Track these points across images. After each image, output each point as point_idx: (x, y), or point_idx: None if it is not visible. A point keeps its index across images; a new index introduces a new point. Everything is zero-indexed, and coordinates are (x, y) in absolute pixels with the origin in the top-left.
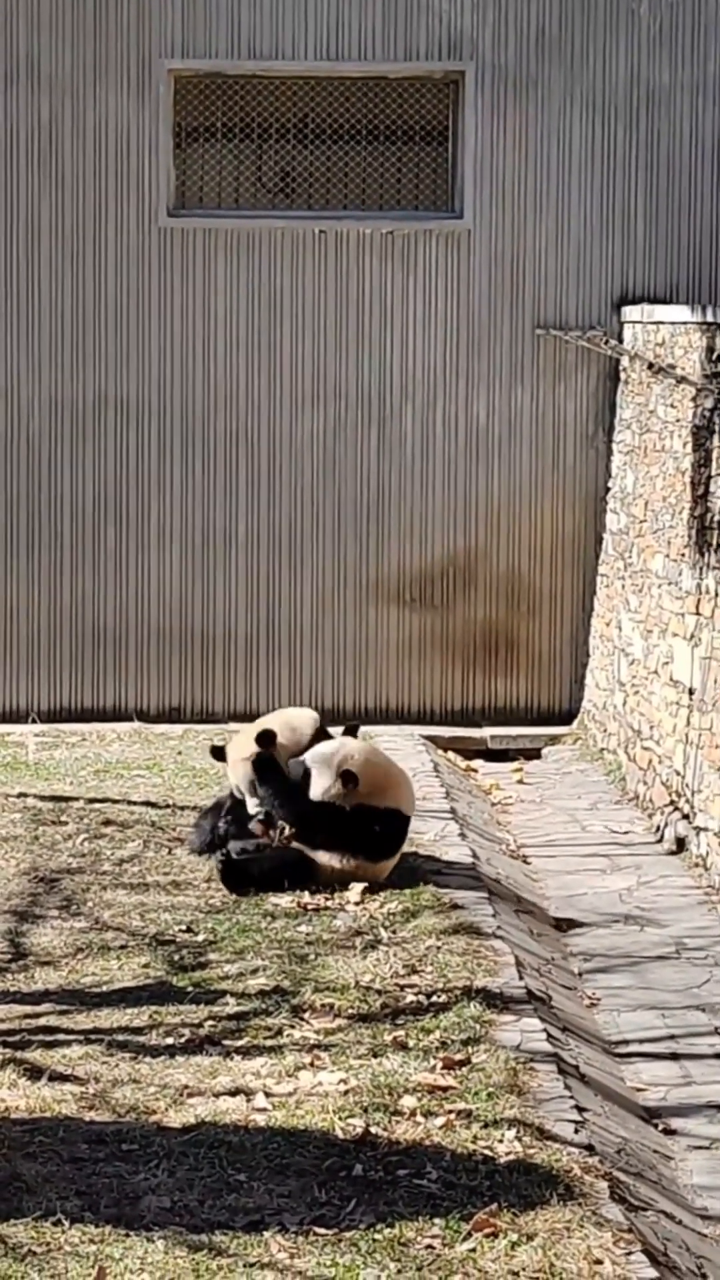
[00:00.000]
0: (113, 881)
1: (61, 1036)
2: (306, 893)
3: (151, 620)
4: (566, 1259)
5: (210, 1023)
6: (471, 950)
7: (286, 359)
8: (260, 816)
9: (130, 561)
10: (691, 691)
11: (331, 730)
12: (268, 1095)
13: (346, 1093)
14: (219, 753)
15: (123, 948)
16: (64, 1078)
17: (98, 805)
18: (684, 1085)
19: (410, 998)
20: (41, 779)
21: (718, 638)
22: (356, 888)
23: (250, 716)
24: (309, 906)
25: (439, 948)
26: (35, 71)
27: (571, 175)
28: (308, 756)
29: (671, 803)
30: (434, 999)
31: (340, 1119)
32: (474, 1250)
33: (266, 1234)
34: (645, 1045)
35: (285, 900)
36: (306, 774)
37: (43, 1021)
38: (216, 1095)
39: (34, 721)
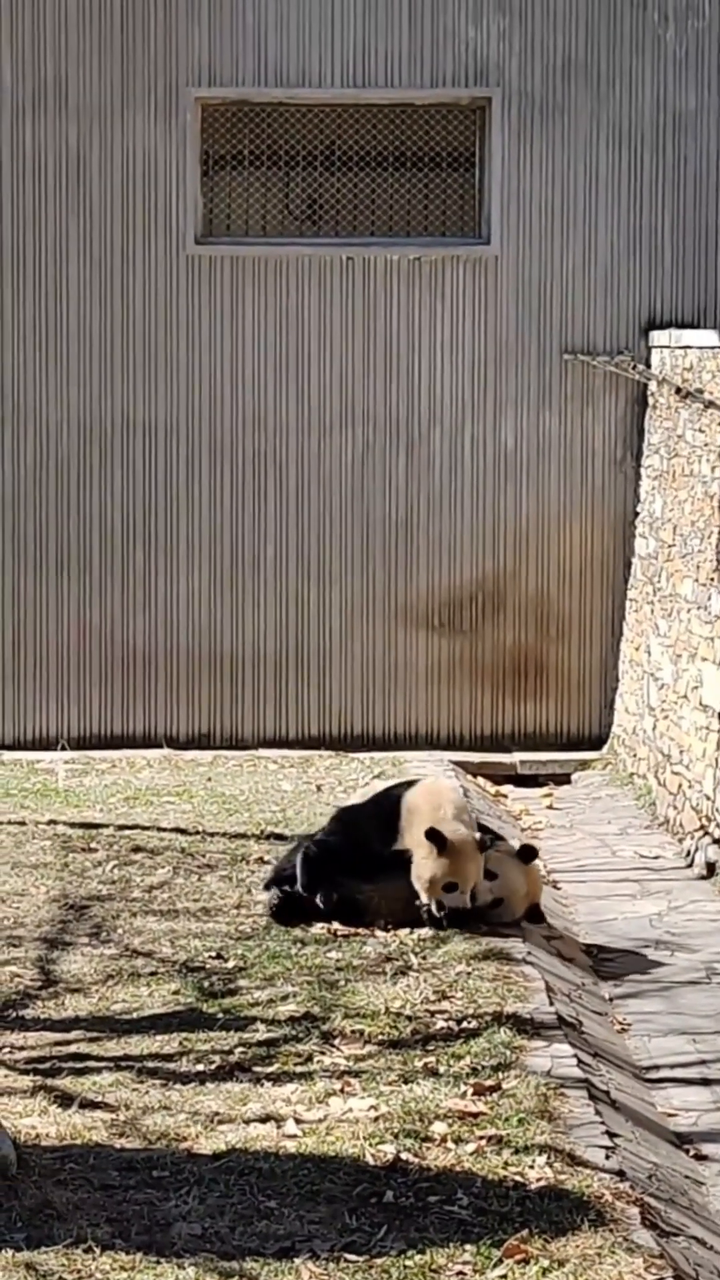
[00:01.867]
0: (142, 908)
1: (92, 1064)
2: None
3: (180, 645)
4: None
5: (240, 1049)
6: (502, 976)
7: (314, 384)
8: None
9: (159, 586)
10: None
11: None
12: (298, 1122)
13: (377, 1119)
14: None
15: (153, 974)
16: (94, 1105)
17: (127, 832)
18: (715, 1110)
19: (440, 1024)
20: (71, 806)
21: None
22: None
23: (280, 742)
24: (339, 933)
25: (469, 973)
26: (64, 99)
27: (598, 200)
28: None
29: (702, 827)
30: (464, 1025)
31: (371, 1145)
32: (505, 1277)
33: (297, 1260)
34: (676, 1070)
35: (316, 927)
36: None
37: (73, 1049)
38: (247, 1122)
39: (63, 748)
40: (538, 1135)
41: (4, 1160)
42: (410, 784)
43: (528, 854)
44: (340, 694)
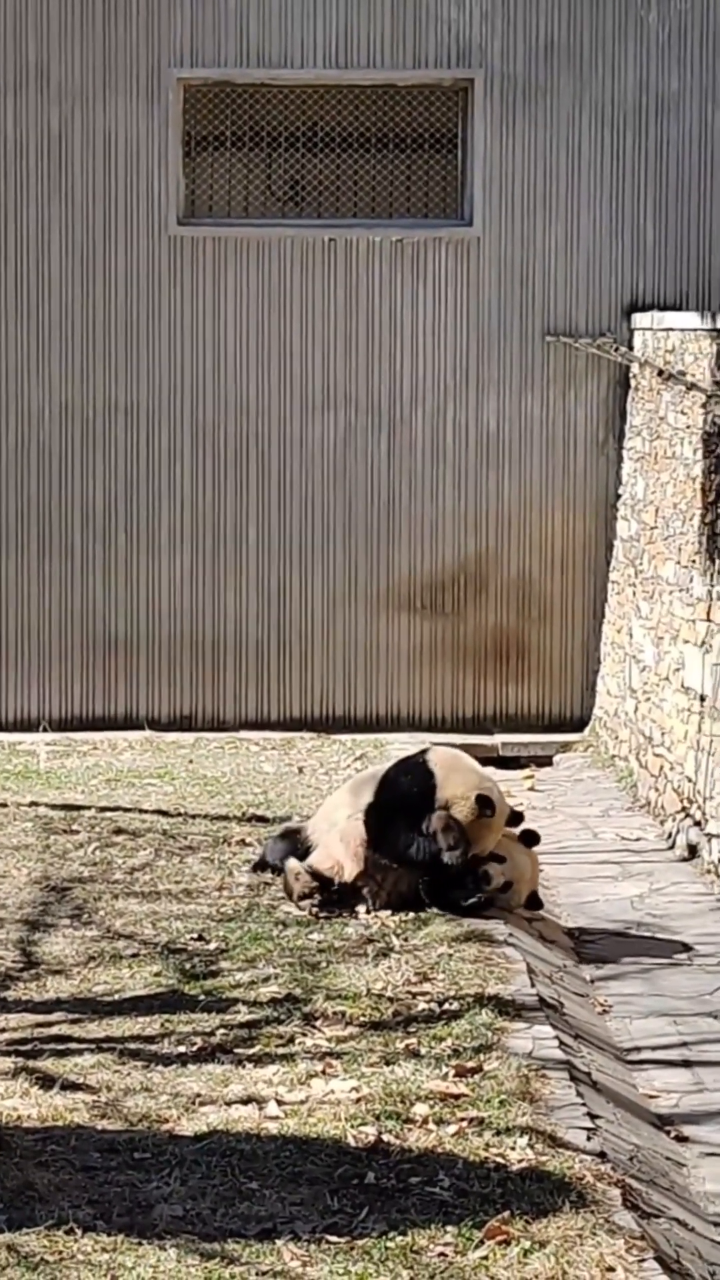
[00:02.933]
0: (124, 890)
1: (73, 1045)
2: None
3: (162, 627)
4: (579, 1266)
5: (222, 1031)
6: (483, 958)
7: (297, 366)
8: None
9: (141, 568)
10: (703, 698)
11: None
12: (280, 1103)
13: (358, 1100)
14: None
15: (134, 956)
16: (76, 1086)
17: (109, 814)
18: (696, 1092)
19: (422, 1005)
20: (53, 788)
21: None
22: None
23: (261, 724)
24: (320, 914)
25: (450, 955)
26: (45, 80)
27: (581, 182)
28: None
29: (683, 809)
30: (446, 1006)
31: (352, 1127)
32: (486, 1258)
33: (279, 1242)
34: (657, 1052)
35: (297, 908)
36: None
37: (54, 1030)
38: (228, 1103)
39: (45, 730)
40: (519, 1117)
41: None
42: (423, 752)
43: (530, 839)
44: (322, 676)
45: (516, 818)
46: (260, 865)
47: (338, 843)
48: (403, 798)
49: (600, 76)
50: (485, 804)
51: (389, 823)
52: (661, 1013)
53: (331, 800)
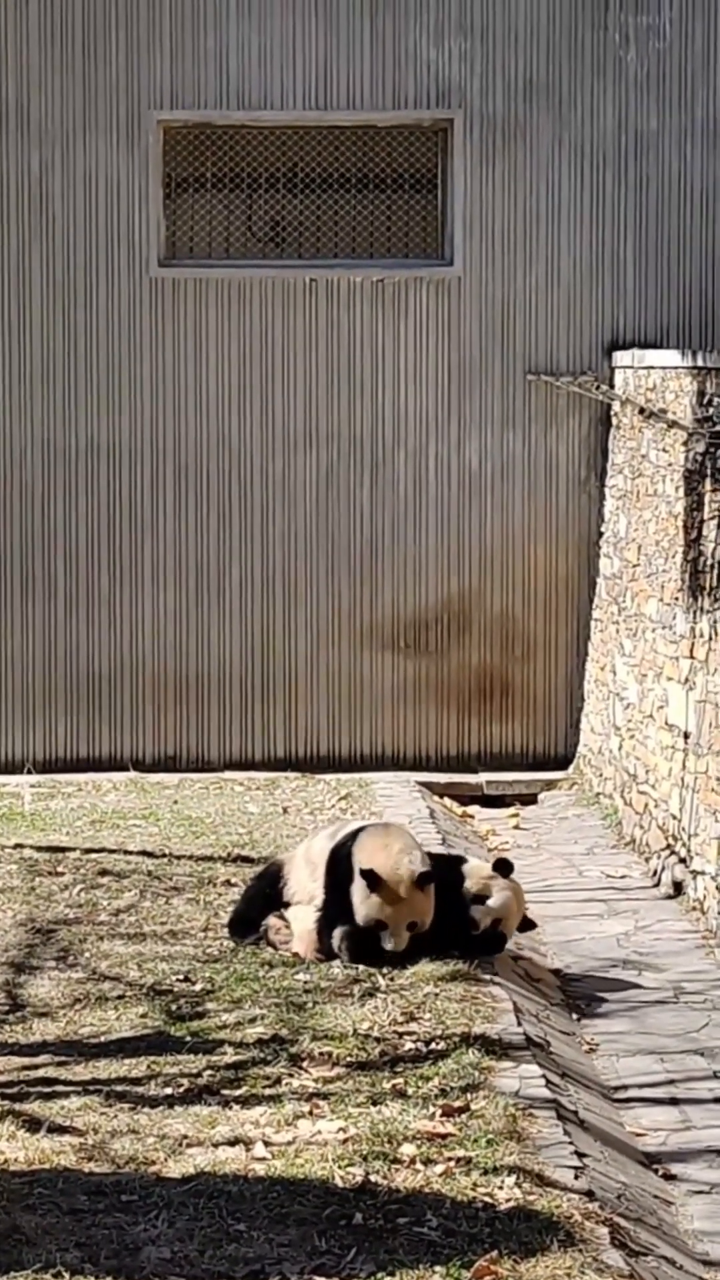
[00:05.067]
0: (109, 932)
1: (60, 1088)
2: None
3: (146, 667)
4: None
5: (209, 1072)
6: (469, 996)
7: (279, 406)
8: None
9: (124, 608)
10: (687, 735)
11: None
12: (267, 1144)
13: (346, 1141)
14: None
15: (120, 998)
16: (63, 1129)
17: (94, 855)
18: (684, 1130)
19: (408, 1045)
20: (37, 829)
21: (713, 681)
22: None
23: (246, 764)
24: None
25: (437, 994)
26: (25, 122)
27: (561, 221)
28: None
29: (668, 847)
30: (432, 1046)
31: (340, 1167)
32: None
33: None
34: (644, 1090)
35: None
36: None
37: (41, 1073)
38: (215, 1145)
39: (29, 772)
40: (506, 1156)
41: None
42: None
43: (504, 868)
44: (306, 715)
45: (504, 865)
46: (237, 920)
47: (302, 930)
48: (343, 902)
49: (579, 116)
50: (424, 880)
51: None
52: (648, 1050)
53: (314, 844)
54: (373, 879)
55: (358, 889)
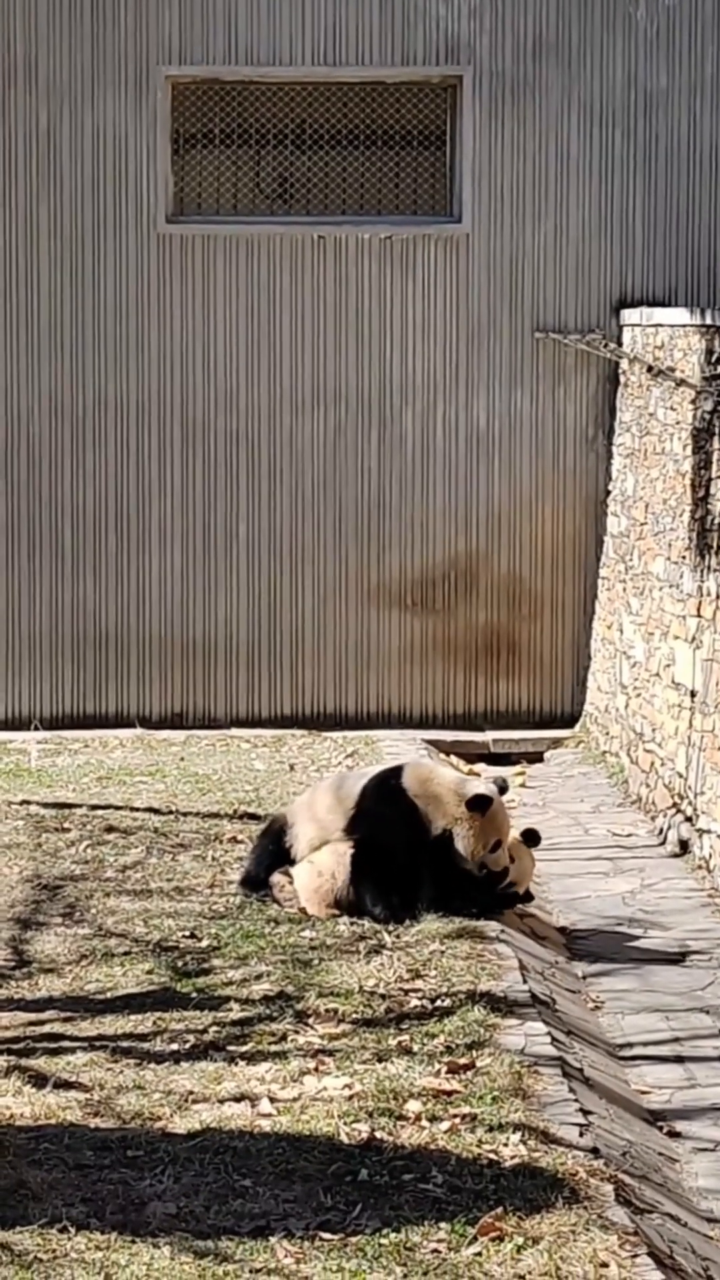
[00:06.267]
0: (116, 888)
1: (66, 1044)
2: None
3: (153, 625)
4: (572, 1262)
5: (214, 1029)
6: (475, 954)
7: (286, 364)
8: None
9: (131, 566)
10: (694, 694)
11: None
12: (272, 1101)
13: (351, 1098)
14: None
15: (126, 954)
16: (69, 1085)
17: (100, 812)
18: (688, 1088)
19: (414, 1002)
20: (44, 786)
21: (719, 639)
22: None
23: (253, 722)
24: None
25: (442, 952)
26: (34, 78)
27: (569, 179)
28: None
29: (674, 805)
30: (438, 1003)
31: (345, 1124)
32: (480, 1254)
33: (272, 1239)
34: (649, 1048)
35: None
36: None
37: (47, 1029)
38: (221, 1101)
39: (36, 728)
40: (512, 1113)
41: None
42: (392, 772)
43: (532, 838)
44: (313, 673)
45: (531, 836)
46: (247, 880)
47: (319, 876)
48: (389, 838)
49: (589, 73)
50: (479, 804)
51: (381, 864)
52: (653, 1008)
53: (318, 798)
54: (482, 803)
55: (464, 820)
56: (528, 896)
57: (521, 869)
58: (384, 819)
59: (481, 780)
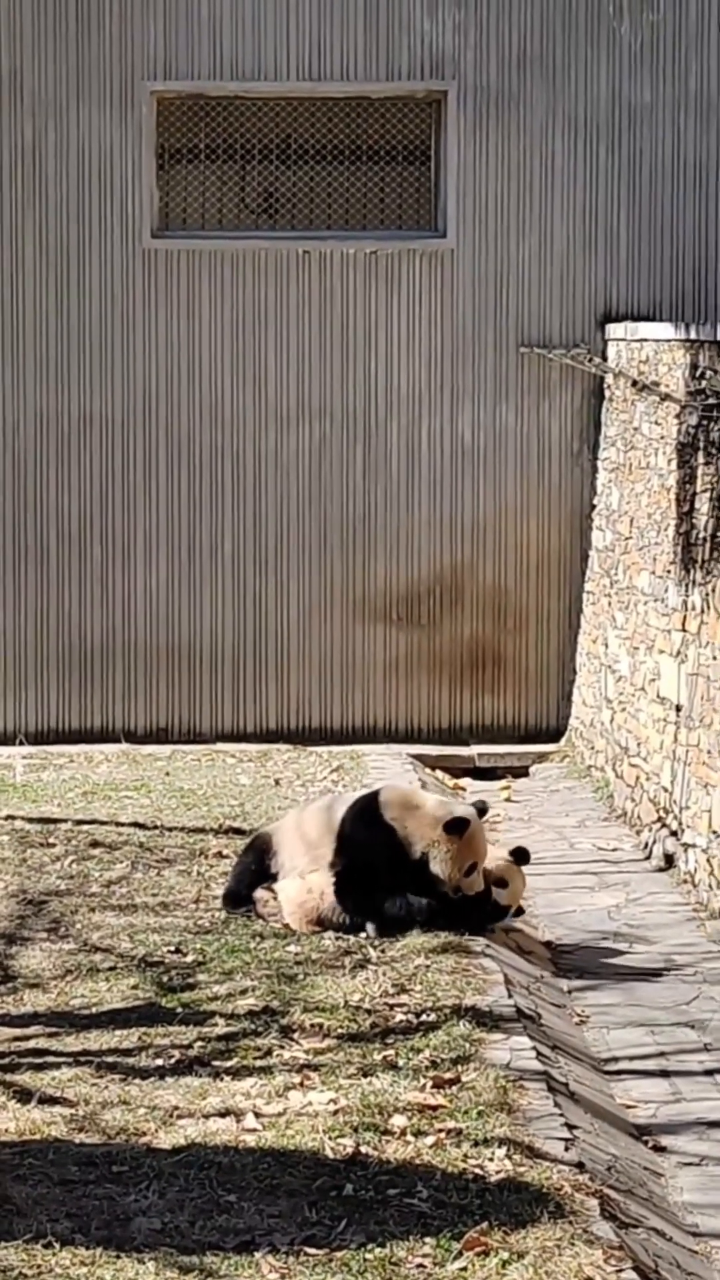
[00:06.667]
0: (101, 903)
1: (51, 1059)
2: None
3: (138, 640)
4: (557, 1277)
5: (200, 1044)
6: (460, 969)
7: (271, 378)
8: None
9: (117, 580)
10: (679, 708)
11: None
12: (257, 1115)
13: (336, 1112)
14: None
15: (111, 969)
16: (53, 1100)
17: (86, 827)
18: (674, 1102)
19: (399, 1017)
20: (29, 801)
21: (704, 654)
22: None
23: (238, 736)
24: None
25: (428, 966)
26: (18, 92)
27: (554, 193)
28: None
29: (659, 819)
30: (423, 1018)
31: (330, 1139)
32: (465, 1269)
33: (257, 1254)
34: (635, 1062)
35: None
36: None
37: (32, 1044)
38: (206, 1116)
39: (21, 743)
40: (497, 1128)
41: None
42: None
43: (522, 857)
44: (298, 688)
45: (521, 854)
46: (229, 897)
47: (293, 902)
48: (370, 860)
49: (573, 87)
50: (456, 826)
51: (361, 887)
52: (639, 1023)
53: (306, 820)
54: (459, 825)
55: (442, 843)
56: (519, 913)
57: (513, 890)
58: (364, 844)
59: (461, 803)
